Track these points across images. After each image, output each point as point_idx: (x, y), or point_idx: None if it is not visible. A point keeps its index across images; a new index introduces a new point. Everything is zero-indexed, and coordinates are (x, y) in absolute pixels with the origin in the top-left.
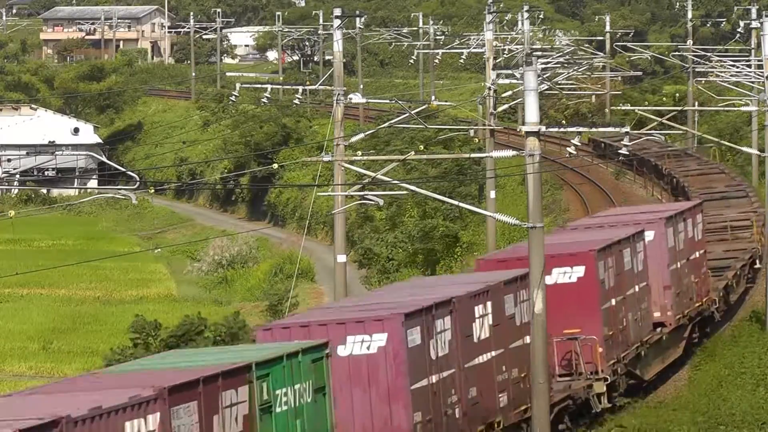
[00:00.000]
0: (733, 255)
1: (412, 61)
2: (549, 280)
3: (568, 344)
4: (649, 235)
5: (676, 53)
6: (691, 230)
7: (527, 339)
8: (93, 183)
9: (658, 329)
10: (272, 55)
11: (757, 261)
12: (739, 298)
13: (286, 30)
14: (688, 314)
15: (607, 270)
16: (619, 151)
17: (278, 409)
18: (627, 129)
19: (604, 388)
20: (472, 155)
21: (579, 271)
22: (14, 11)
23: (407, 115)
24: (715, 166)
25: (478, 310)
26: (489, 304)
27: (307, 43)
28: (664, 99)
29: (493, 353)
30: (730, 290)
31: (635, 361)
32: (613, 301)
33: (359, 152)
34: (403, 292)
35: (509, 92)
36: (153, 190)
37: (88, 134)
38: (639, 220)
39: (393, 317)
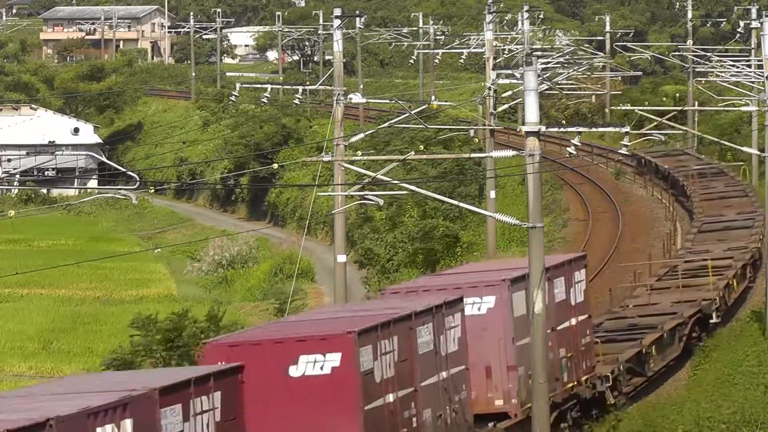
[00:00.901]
0: (675, 310)
1: (412, 61)
2: (295, 371)
3: None
4: (488, 302)
5: (676, 53)
6: (563, 292)
7: None
8: (93, 183)
9: (491, 424)
10: (272, 55)
11: (714, 315)
12: (664, 369)
13: (286, 30)
14: (551, 400)
15: (379, 357)
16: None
17: None
18: (627, 129)
19: None
20: (472, 155)
21: (333, 359)
22: (14, 11)
23: (407, 115)
24: (741, 188)
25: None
26: (128, 422)
27: (307, 43)
28: (664, 99)
29: None
30: (646, 359)
31: None
32: (390, 397)
33: (359, 152)
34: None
35: (509, 92)
36: (153, 190)
37: (88, 134)
38: (473, 282)
39: None
